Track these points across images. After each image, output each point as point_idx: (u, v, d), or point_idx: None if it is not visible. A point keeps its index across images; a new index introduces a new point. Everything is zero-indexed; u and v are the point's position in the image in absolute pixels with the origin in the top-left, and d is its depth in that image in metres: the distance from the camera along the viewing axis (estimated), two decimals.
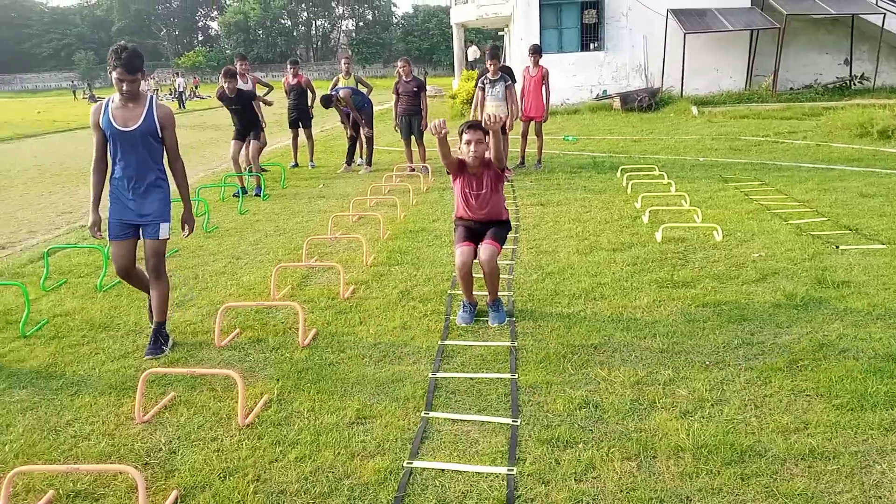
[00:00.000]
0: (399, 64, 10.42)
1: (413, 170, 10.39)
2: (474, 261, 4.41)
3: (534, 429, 3.14)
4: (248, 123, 9.59)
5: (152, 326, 4.31)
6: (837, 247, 5.62)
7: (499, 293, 4.52)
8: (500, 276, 4.57)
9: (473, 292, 4.57)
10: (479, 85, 9.48)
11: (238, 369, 3.84)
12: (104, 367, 4.04)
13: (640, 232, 6.42)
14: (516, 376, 3.66)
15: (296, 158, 12.07)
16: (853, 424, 3.04)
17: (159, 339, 4.23)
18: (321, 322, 4.59)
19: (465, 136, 4.31)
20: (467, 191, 4.44)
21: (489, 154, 4.39)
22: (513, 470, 2.82)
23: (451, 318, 4.54)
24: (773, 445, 2.91)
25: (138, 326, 4.68)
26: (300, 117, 11.68)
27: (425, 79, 49.86)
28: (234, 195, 9.38)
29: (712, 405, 3.27)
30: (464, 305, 4.53)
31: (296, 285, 5.41)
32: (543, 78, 9.96)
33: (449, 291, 5.04)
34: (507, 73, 9.54)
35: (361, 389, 3.61)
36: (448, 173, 4.49)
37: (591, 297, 4.79)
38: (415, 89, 10.28)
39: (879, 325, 4.07)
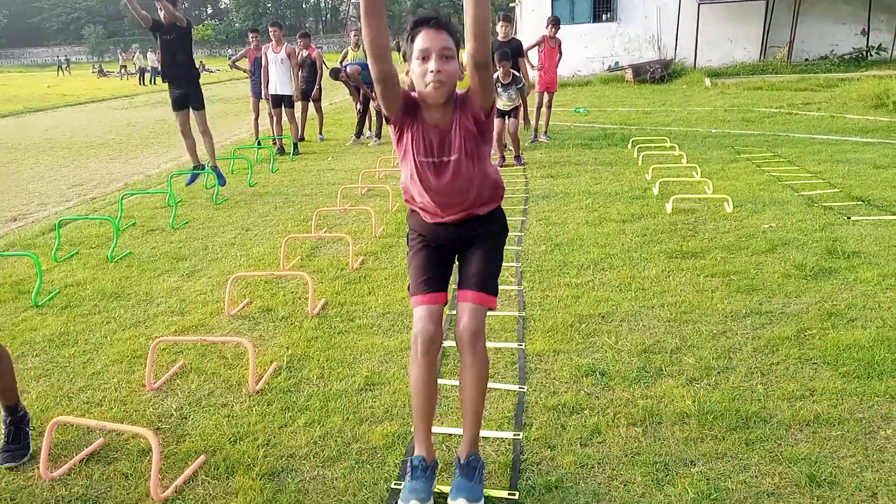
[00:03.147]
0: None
1: None
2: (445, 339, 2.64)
3: (540, 395, 3.16)
4: (184, 75, 7.71)
5: None
6: (849, 218, 5.58)
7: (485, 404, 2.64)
8: (508, 248, 4.42)
9: (433, 424, 2.59)
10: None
11: (248, 337, 3.87)
12: (115, 336, 4.09)
13: (650, 203, 6.39)
14: (523, 345, 3.68)
15: (303, 131, 12.05)
16: (859, 392, 3.04)
17: (19, 433, 2.89)
18: (330, 292, 4.62)
19: (418, 44, 2.22)
20: (420, 158, 2.35)
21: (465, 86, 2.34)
22: (519, 435, 2.85)
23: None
24: (779, 412, 2.92)
25: (149, 296, 4.72)
26: (309, 90, 11.65)
27: None
28: (189, 181, 8.29)
29: (719, 373, 3.28)
30: (412, 467, 2.45)
31: (305, 256, 5.43)
32: (559, 49, 10.13)
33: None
34: (515, 49, 9.35)
35: (370, 357, 3.65)
36: (385, 118, 2.42)
37: (599, 268, 4.79)
38: None
39: (889, 295, 4.05)
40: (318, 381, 3.42)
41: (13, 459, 2.81)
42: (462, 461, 2.45)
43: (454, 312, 2.51)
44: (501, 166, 8.56)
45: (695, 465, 2.61)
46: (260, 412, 3.14)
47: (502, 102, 8.55)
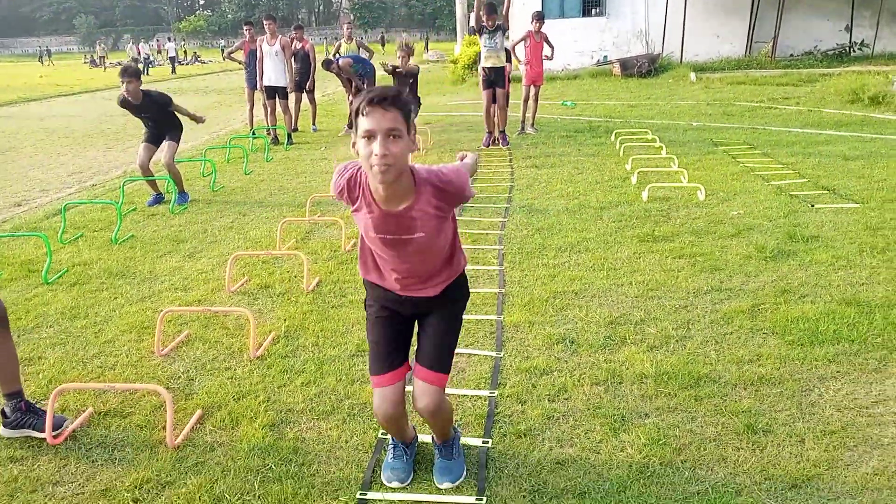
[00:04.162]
0: (398, 53, 9.85)
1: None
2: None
3: (515, 360, 3.49)
4: (165, 127, 7.13)
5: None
6: (812, 205, 5.93)
7: (453, 421, 2.66)
8: (492, 232, 4.75)
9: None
10: (475, 28, 9.10)
11: (250, 310, 4.18)
12: (123, 310, 4.39)
13: (627, 192, 6.72)
14: (502, 317, 4.00)
15: (296, 122, 12.32)
16: (801, 357, 3.38)
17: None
18: (324, 271, 4.93)
19: (364, 124, 2.05)
20: (374, 234, 2.28)
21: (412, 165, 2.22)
22: (494, 392, 3.18)
23: None
24: (727, 373, 3.26)
25: (153, 274, 5.02)
26: (303, 81, 11.91)
27: (427, 41, 49.86)
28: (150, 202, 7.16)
29: (677, 341, 3.62)
30: (393, 446, 2.67)
31: (300, 239, 5.74)
32: (545, 42, 10.36)
33: None
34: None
35: (361, 328, 3.96)
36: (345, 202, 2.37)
37: (576, 250, 5.12)
38: (410, 81, 9.73)
39: (840, 275, 4.40)
40: (314, 348, 3.74)
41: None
42: (439, 443, 2.64)
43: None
44: (487, 146, 8.72)
45: (649, 416, 2.95)
46: (260, 374, 3.46)
47: (487, 57, 8.51)
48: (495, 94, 9.15)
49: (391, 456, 2.67)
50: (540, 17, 10.32)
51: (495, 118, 9.21)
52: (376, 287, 2.48)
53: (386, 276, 2.42)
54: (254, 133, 11.14)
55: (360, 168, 2.23)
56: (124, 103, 6.92)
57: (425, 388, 2.41)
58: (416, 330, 2.59)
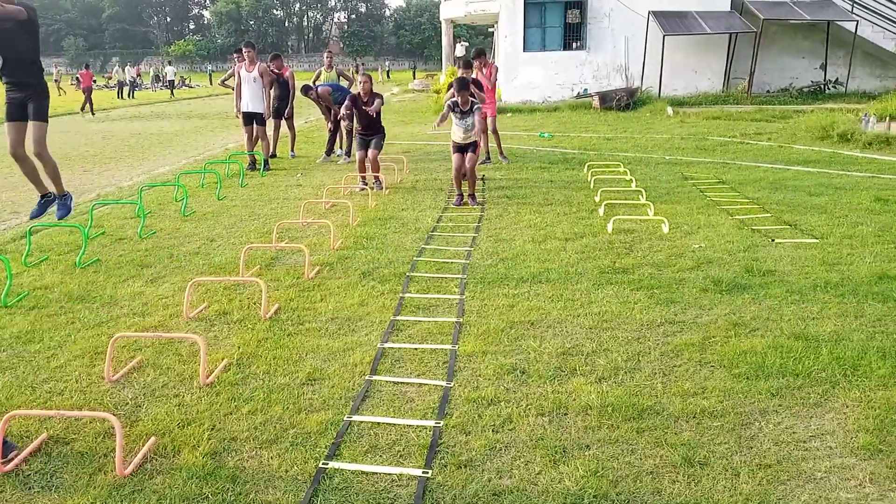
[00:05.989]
0: (360, 79, 9.28)
1: (365, 184, 9.05)
2: None
3: (464, 390, 3.51)
4: (28, 74, 5.80)
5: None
6: (773, 240, 6.02)
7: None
8: (456, 261, 4.76)
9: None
10: (450, 105, 8.32)
11: (202, 335, 4.17)
12: (79, 335, 4.37)
13: (594, 224, 6.80)
14: (456, 347, 4.02)
15: (275, 148, 12.36)
16: (745, 390, 3.43)
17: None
18: (285, 298, 4.93)
19: None
20: None
21: None
22: (440, 423, 3.19)
23: (405, 295, 4.89)
24: (671, 405, 3.29)
25: (113, 299, 5.01)
26: (282, 108, 11.99)
27: (414, 71, 50.31)
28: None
29: (625, 373, 3.65)
30: None
31: (264, 266, 5.75)
32: (493, 75, 10.54)
33: (407, 273, 5.39)
34: (476, 87, 9.17)
35: (315, 356, 3.97)
36: None
37: (537, 281, 5.16)
38: (376, 113, 9.09)
39: (792, 309, 4.47)
40: (265, 375, 3.73)
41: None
42: None
43: None
44: (458, 205, 8.31)
45: (589, 448, 2.97)
46: (208, 402, 3.45)
47: (459, 135, 8.17)
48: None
49: None
50: (479, 55, 10.55)
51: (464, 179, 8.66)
52: None
53: None
54: (254, 160, 10.91)
55: None
56: None
57: None
58: None
